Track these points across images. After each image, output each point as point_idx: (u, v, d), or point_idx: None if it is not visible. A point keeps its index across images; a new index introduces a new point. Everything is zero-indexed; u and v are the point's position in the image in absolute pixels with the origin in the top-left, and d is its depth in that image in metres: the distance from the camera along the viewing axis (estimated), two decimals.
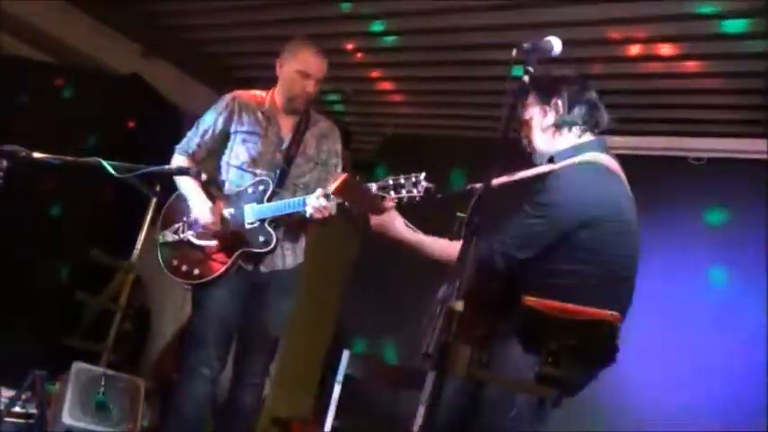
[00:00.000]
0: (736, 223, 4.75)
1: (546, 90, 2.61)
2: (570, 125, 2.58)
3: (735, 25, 4.03)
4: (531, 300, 2.06)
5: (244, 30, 5.51)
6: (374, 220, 2.68)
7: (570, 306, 2.04)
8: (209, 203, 3.35)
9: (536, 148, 2.65)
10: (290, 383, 6.11)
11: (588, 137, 2.60)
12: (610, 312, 2.04)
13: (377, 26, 5.05)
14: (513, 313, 2.26)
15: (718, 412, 4.30)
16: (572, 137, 2.59)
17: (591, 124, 2.60)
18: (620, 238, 2.43)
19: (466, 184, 2.56)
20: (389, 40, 5.20)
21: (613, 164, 2.55)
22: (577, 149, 2.55)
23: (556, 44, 2.32)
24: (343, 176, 2.65)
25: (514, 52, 2.32)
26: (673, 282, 4.71)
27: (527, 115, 2.65)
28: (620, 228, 2.44)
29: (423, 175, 2.71)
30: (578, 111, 2.59)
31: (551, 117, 2.60)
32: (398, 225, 2.66)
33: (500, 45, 4.73)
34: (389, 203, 2.68)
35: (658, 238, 4.46)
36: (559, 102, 2.60)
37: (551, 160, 2.59)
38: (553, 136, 2.61)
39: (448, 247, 2.48)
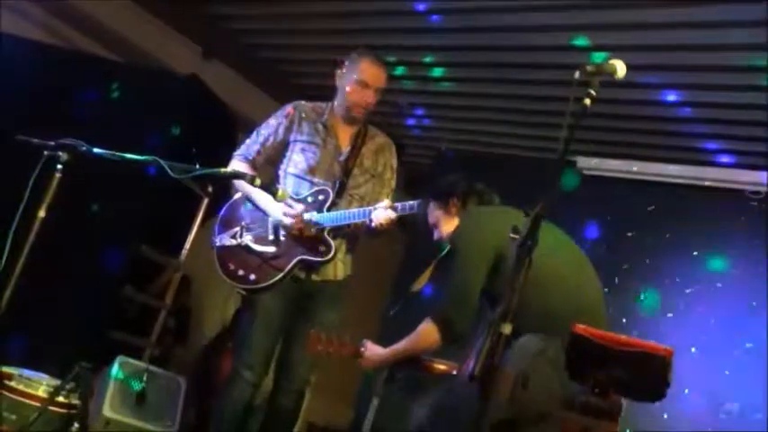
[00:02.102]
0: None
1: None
2: None
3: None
4: (579, 327, 2.02)
5: (302, 37, 5.55)
6: (361, 363, 3.06)
7: (621, 337, 1.99)
8: (282, 203, 3.33)
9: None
10: (329, 392, 6.10)
11: None
12: (663, 347, 1.98)
13: (434, 41, 5.05)
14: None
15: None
16: None
17: None
18: None
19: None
20: (442, 57, 5.21)
21: None
22: None
23: (620, 67, 2.28)
24: (315, 334, 3.10)
25: (577, 74, 2.28)
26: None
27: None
28: None
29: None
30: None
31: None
32: (378, 352, 3.01)
33: (558, 65, 4.70)
34: (363, 345, 3.05)
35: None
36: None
37: None
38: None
39: (412, 343, 2.85)
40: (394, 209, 3.18)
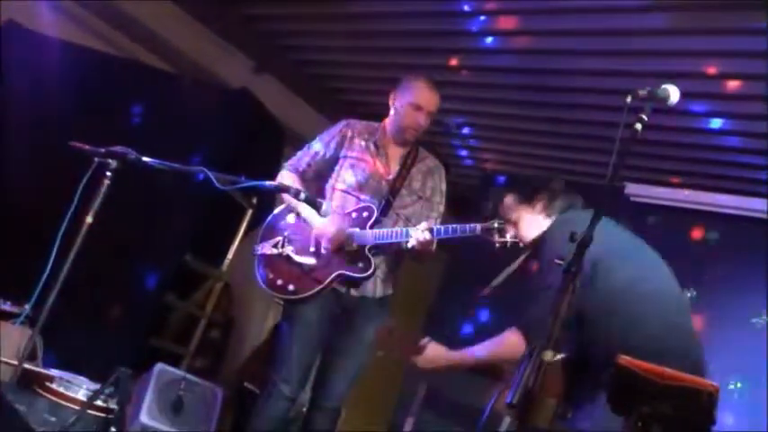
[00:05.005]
0: None
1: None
2: None
3: None
4: (624, 359, 1.96)
5: (354, 54, 5.58)
6: (421, 361, 2.88)
7: (667, 371, 1.93)
8: (328, 218, 3.33)
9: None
10: (363, 407, 6.05)
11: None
12: (710, 382, 1.92)
13: (486, 62, 5.04)
14: (601, 370, 2.21)
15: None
16: None
17: None
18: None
19: None
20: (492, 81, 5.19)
21: None
22: None
23: (673, 93, 2.24)
24: (385, 328, 3.07)
25: (629, 99, 2.24)
26: None
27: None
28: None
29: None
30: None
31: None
32: (442, 354, 2.85)
33: (607, 90, 4.66)
34: (424, 341, 2.89)
35: None
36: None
37: None
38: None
39: (493, 349, 2.70)
40: (431, 231, 3.13)
